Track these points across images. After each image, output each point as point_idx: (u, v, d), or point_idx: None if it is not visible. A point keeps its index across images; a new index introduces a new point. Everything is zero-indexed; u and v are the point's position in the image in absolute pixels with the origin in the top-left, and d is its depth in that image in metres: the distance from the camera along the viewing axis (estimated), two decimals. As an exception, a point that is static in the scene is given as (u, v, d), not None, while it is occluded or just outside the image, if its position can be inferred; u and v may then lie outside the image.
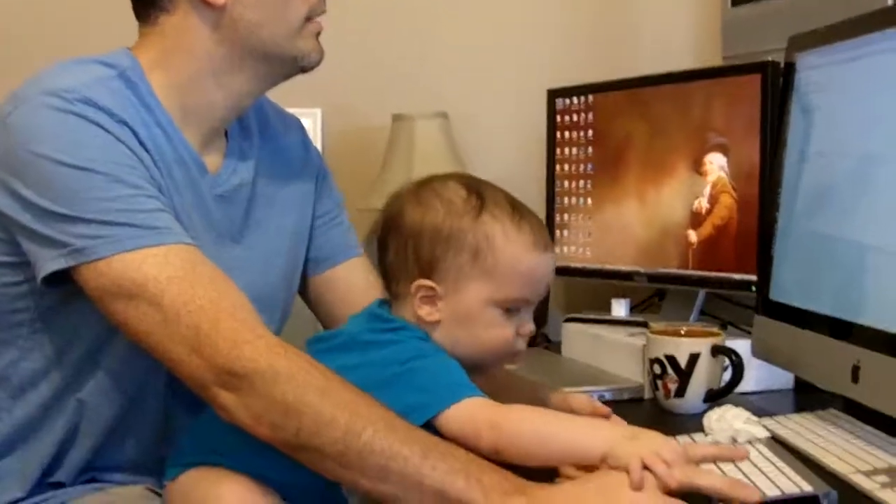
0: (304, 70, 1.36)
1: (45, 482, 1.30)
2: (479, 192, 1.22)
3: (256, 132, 1.44)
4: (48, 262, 1.18)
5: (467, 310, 1.20)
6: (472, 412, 1.13)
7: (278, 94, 1.45)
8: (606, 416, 1.30)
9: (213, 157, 1.36)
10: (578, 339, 2.03)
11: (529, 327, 1.23)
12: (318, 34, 1.36)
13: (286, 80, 1.39)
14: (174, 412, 1.33)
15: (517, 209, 1.22)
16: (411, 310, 1.23)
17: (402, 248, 1.23)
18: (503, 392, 1.37)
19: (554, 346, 2.21)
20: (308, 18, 1.34)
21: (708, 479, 1.07)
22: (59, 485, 1.31)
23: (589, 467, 1.12)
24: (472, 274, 1.19)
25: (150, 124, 1.26)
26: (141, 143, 1.24)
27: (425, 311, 1.21)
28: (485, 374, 1.25)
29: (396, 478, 1.08)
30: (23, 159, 1.18)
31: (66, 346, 1.28)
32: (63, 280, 1.19)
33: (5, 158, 1.20)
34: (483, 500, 1.06)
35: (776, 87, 1.72)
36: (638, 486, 1.04)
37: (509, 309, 1.21)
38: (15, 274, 1.25)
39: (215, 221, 1.34)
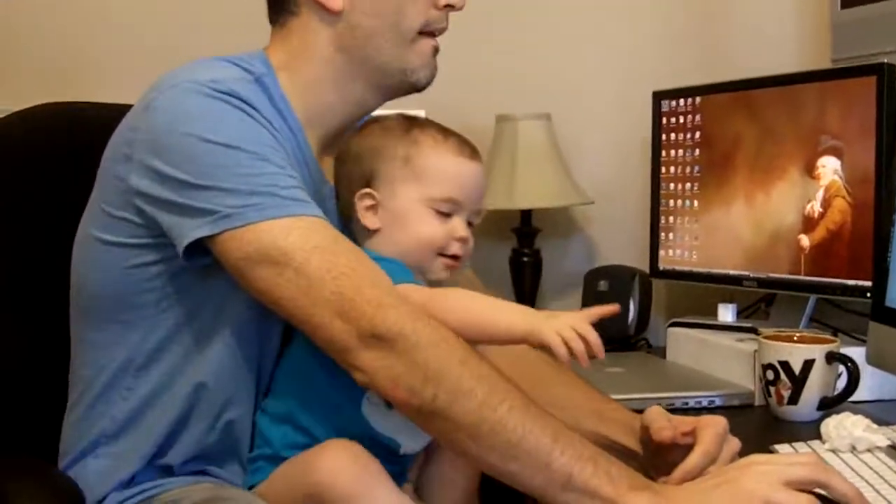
0: (415, 87, 1.37)
1: (156, 463, 1.30)
2: (411, 118, 1.34)
3: None
4: (193, 231, 1.19)
5: (403, 211, 1.29)
6: (407, 292, 1.20)
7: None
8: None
9: (329, 166, 1.38)
10: (684, 344, 2.01)
11: (462, 233, 1.29)
12: (436, 53, 1.37)
13: (403, 95, 1.39)
14: None
15: (445, 129, 1.33)
16: (362, 229, 1.31)
17: (347, 173, 1.33)
18: (601, 419, 1.37)
19: (656, 351, 2.19)
20: (424, 33, 1.35)
21: (842, 483, 1.06)
22: (169, 468, 1.31)
23: None
24: (404, 177, 1.29)
25: (283, 128, 1.30)
26: (278, 141, 1.26)
27: (369, 221, 1.30)
28: (427, 276, 1.29)
29: (526, 457, 1.09)
30: (169, 139, 1.21)
31: (184, 325, 1.29)
32: (200, 254, 1.20)
33: (148, 140, 1.23)
34: (611, 490, 1.07)
35: (892, 89, 1.70)
36: (564, 358, 1.12)
37: (442, 212, 1.29)
38: (147, 255, 1.26)
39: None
